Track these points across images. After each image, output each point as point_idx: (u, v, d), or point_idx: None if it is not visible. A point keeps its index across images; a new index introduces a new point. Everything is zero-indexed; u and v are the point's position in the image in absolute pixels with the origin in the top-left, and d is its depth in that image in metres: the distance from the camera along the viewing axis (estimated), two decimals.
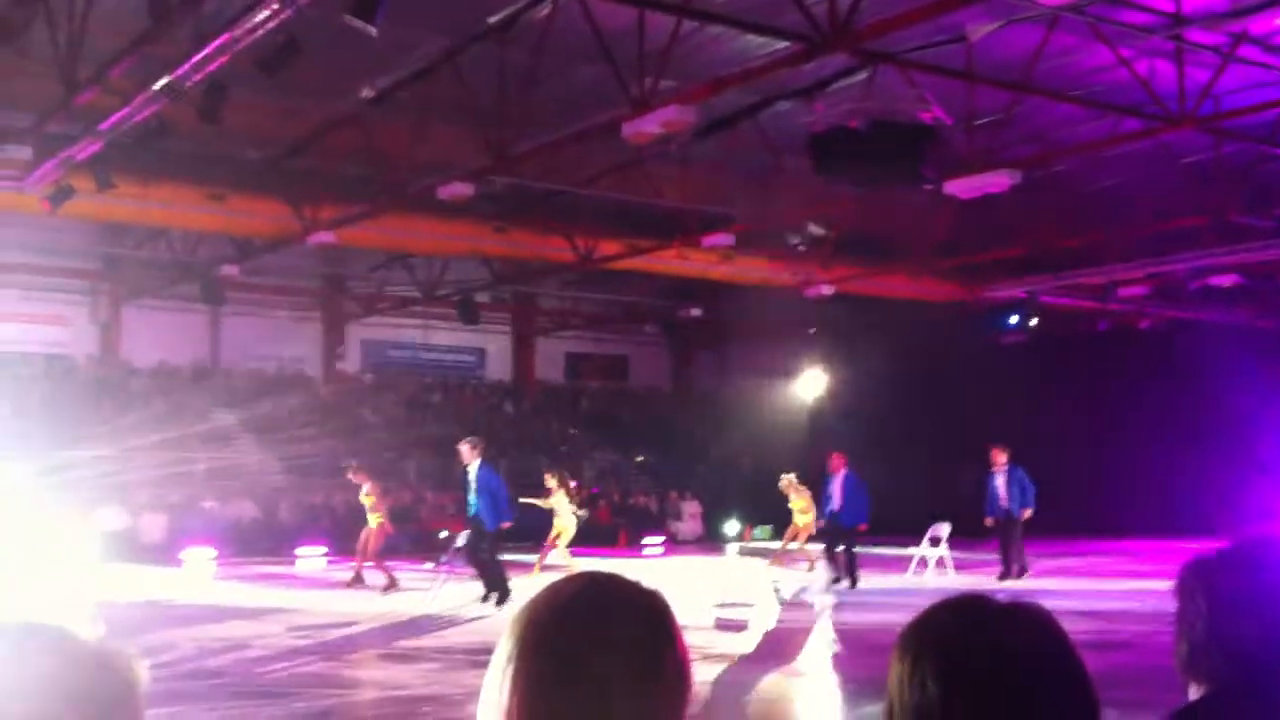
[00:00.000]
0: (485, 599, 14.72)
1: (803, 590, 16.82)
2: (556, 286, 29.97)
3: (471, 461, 14.95)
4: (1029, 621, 1.47)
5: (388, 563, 17.21)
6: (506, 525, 14.95)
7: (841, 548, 17.12)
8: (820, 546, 18.34)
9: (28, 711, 1.21)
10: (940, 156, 14.70)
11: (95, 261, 27.02)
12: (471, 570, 15.27)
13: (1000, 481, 17.46)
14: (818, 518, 18.01)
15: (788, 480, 19.35)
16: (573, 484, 18.08)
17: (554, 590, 1.42)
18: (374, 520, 17.00)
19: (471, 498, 14.90)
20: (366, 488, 17.19)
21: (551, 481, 17.56)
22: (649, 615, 1.39)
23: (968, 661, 1.43)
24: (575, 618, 1.37)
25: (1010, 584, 16.75)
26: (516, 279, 26.74)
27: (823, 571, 17.95)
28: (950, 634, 1.46)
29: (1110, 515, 26.14)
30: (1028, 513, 17.41)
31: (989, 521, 17.66)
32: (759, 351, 33.62)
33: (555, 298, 32.60)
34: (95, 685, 1.27)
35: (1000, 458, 17.50)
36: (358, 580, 17.08)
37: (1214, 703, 1.74)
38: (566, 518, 17.11)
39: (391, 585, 16.67)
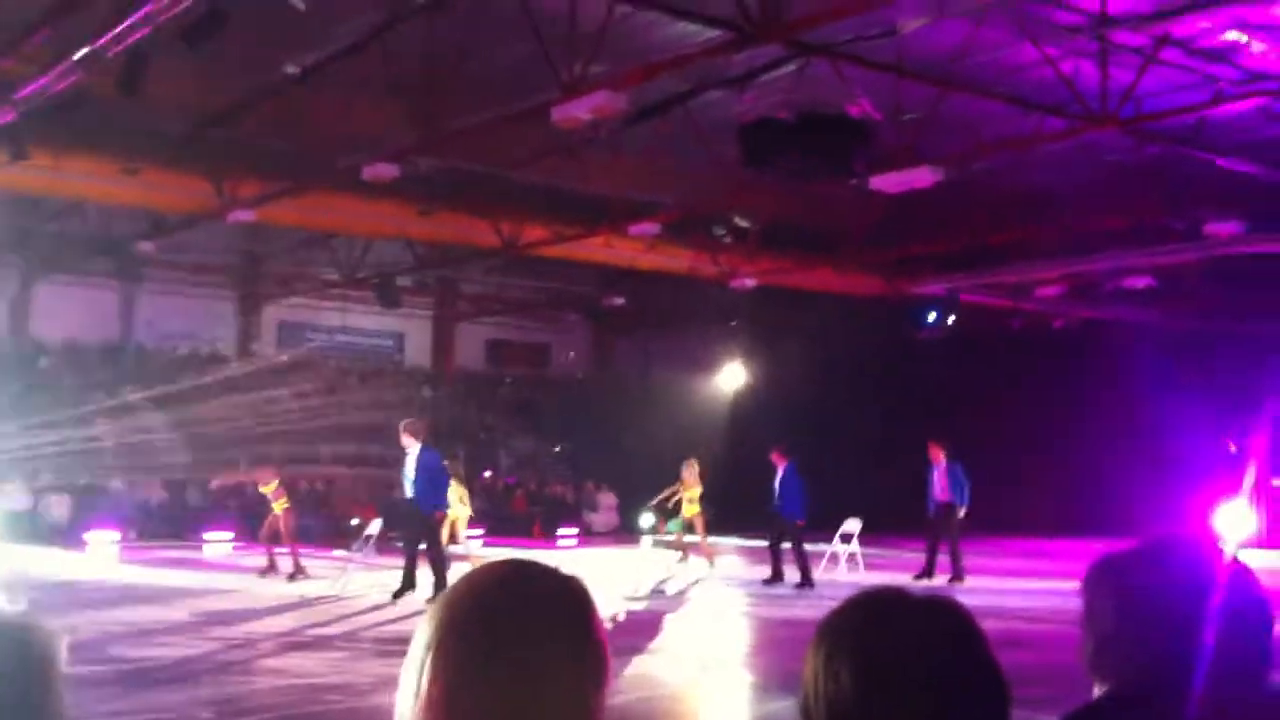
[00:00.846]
0: (400, 593, 14.42)
1: (663, 582, 16.84)
2: (479, 272, 29.77)
3: (411, 446, 14.69)
4: (944, 614, 1.47)
5: (299, 549, 17.01)
6: (441, 514, 14.78)
7: (786, 544, 17.04)
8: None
9: None
10: (867, 150, 14.81)
11: (6, 234, 26.32)
12: (396, 558, 14.99)
13: (936, 477, 17.59)
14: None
15: (692, 468, 19.13)
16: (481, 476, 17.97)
17: (474, 578, 1.41)
18: (278, 507, 16.80)
19: (409, 483, 14.61)
20: (268, 477, 17.00)
21: (455, 468, 17.48)
22: (570, 601, 1.39)
23: (883, 653, 1.43)
24: (497, 604, 1.36)
25: (925, 582, 16.88)
26: (439, 263, 26.52)
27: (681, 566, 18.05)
28: (866, 626, 1.46)
29: (1018, 513, 26.55)
30: (962, 510, 17.52)
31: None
32: (681, 343, 33.73)
33: (478, 283, 32.39)
34: (15, 660, 1.25)
35: (938, 454, 17.61)
36: (272, 569, 16.84)
37: (1117, 700, 1.75)
38: (457, 507, 17.10)
39: (299, 573, 16.47)
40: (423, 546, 14.47)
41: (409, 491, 14.56)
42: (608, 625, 1.40)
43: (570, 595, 1.40)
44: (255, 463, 17.41)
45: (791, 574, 16.89)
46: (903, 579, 17.12)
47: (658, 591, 16.33)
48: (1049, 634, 11.47)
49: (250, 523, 23.99)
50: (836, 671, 1.42)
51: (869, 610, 1.49)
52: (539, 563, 1.43)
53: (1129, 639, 1.73)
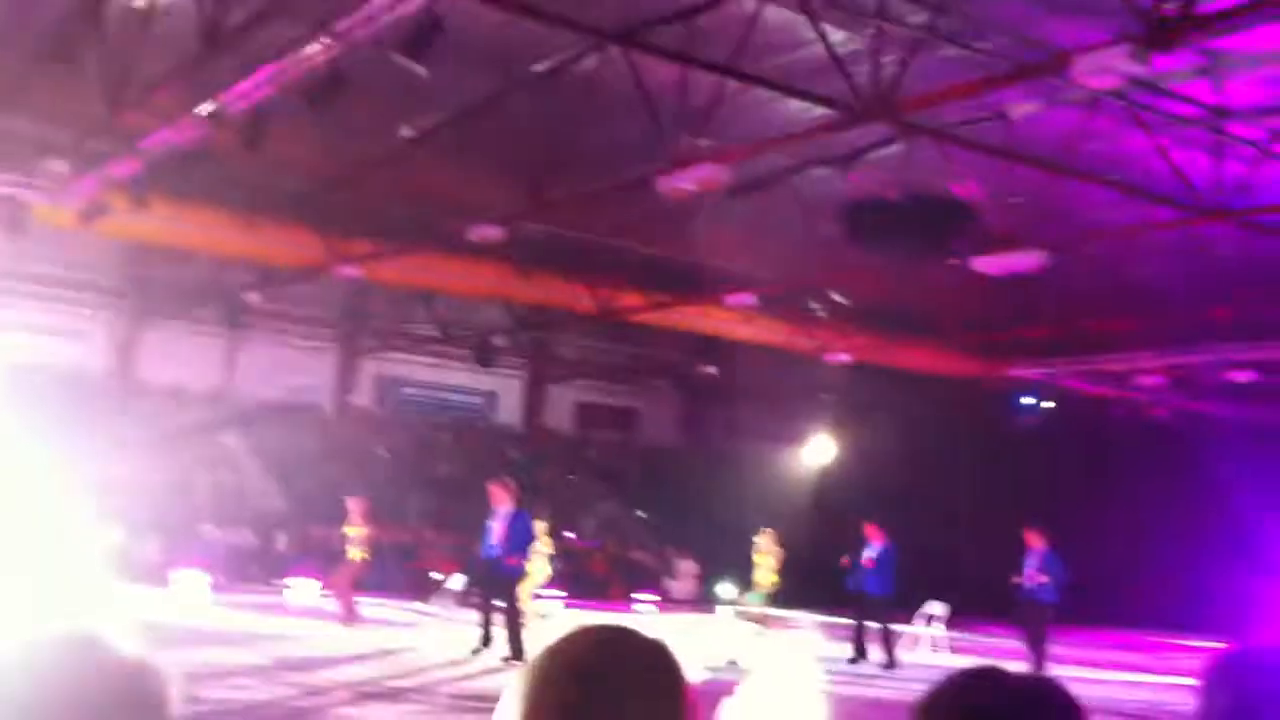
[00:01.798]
0: (479, 649, 14.48)
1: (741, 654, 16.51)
2: (573, 335, 30.00)
3: (502, 504, 14.78)
4: (1049, 695, 1.43)
5: (357, 598, 17.01)
6: (522, 574, 14.76)
7: (876, 623, 16.71)
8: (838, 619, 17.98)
9: (62, 717, 1.21)
10: (971, 231, 14.75)
11: (119, 279, 27.10)
12: (475, 613, 15.05)
13: (1032, 565, 17.13)
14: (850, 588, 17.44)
15: (768, 537, 18.97)
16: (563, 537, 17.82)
17: (567, 641, 1.39)
18: (354, 554, 16.81)
19: (494, 541, 14.69)
20: (355, 520, 16.98)
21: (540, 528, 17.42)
22: (662, 667, 1.37)
23: None
24: (591, 668, 1.34)
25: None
26: (536, 325, 26.78)
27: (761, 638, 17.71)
28: (971, 704, 1.42)
29: (1109, 605, 25.92)
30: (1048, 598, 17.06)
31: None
32: (770, 415, 33.58)
33: (571, 346, 32.62)
34: (131, 696, 1.28)
35: (1035, 541, 17.16)
36: (351, 615, 16.81)
37: None
38: (540, 566, 17.09)
39: (353, 618, 16.47)
40: (501, 604, 14.50)
41: (493, 550, 14.58)
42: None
43: (663, 660, 1.38)
44: (358, 501, 17.40)
45: (875, 653, 16.63)
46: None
47: (735, 663, 16.13)
48: None
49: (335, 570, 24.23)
50: None
51: (972, 687, 1.45)
52: (625, 628, 1.41)
53: None
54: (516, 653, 13.89)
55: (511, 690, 1.35)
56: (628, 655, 1.37)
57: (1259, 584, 23.20)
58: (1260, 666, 1.79)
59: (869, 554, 16.82)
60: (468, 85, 14.12)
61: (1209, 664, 1.83)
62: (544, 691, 1.32)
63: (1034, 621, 16.93)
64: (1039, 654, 16.74)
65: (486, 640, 14.47)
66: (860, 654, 16.83)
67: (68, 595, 17.04)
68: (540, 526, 17.20)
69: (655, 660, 1.37)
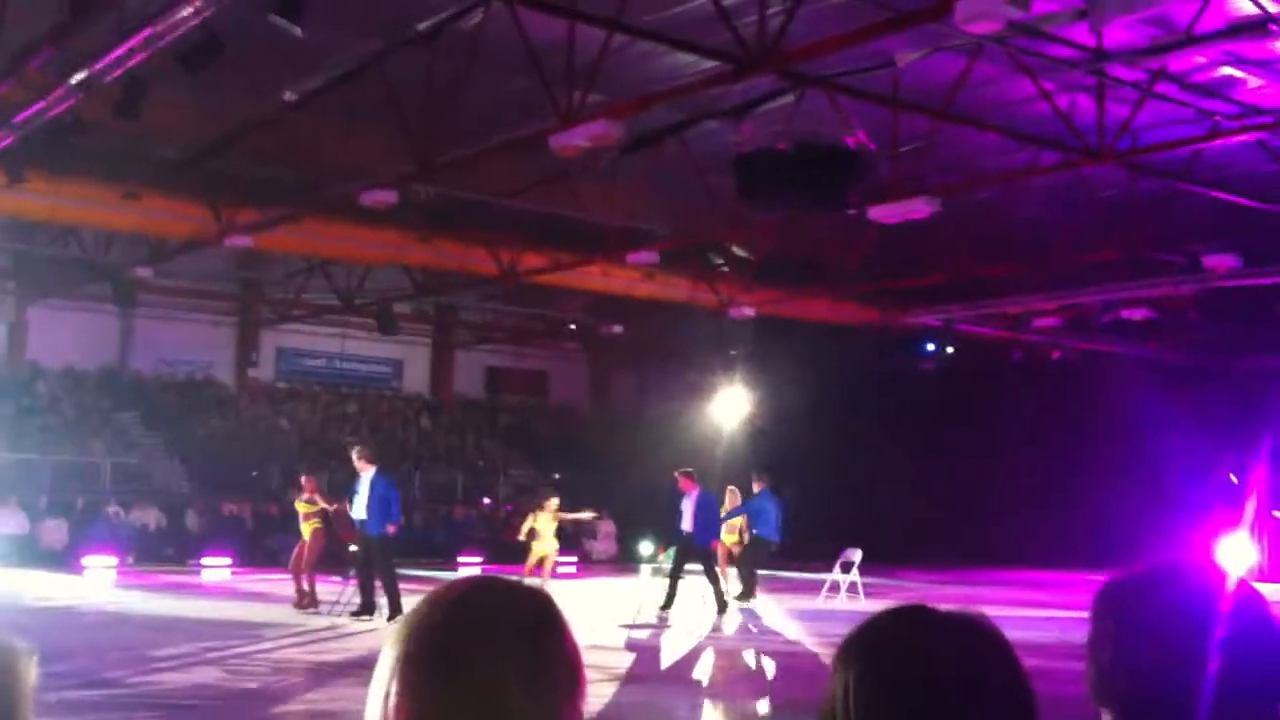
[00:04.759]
0: (392, 617, 14.45)
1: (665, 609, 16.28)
2: (477, 299, 29.76)
3: (365, 469, 14.91)
4: (978, 630, 1.45)
5: (315, 579, 16.39)
6: (392, 529, 14.80)
7: (699, 568, 16.59)
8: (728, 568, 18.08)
9: None
10: (864, 181, 14.82)
11: (3, 259, 26.34)
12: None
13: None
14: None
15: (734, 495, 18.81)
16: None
17: (435, 597, 1.38)
18: (307, 530, 16.14)
19: (360, 506, 14.75)
20: (307, 496, 16.33)
21: (552, 503, 17.39)
22: (535, 613, 1.36)
23: (918, 668, 1.40)
24: (460, 622, 1.32)
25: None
26: (438, 290, 26.51)
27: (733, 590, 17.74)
28: (900, 641, 1.44)
29: (1016, 544, 26.43)
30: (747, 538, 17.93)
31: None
32: (679, 372, 33.67)
33: (476, 310, 32.35)
34: None
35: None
36: (304, 598, 15.86)
37: None
38: (548, 541, 17.09)
39: (311, 604, 15.79)
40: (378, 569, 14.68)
41: (360, 514, 14.76)
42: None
43: (534, 606, 1.37)
44: (310, 474, 17.07)
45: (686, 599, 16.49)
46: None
47: (659, 619, 16.01)
48: (1054, 666, 11.36)
49: (250, 551, 23.82)
50: (868, 688, 1.38)
51: (900, 624, 1.46)
52: (499, 577, 1.40)
53: (1131, 666, 1.70)
54: (397, 612, 14.00)
55: (382, 655, 1.33)
56: (493, 607, 1.36)
57: (1163, 515, 23.85)
58: (1139, 590, 1.79)
59: (685, 505, 16.48)
60: (349, 45, 13.86)
61: (1096, 592, 1.84)
62: (409, 653, 1.31)
63: (755, 559, 17.70)
64: (748, 586, 17.45)
65: (368, 607, 14.72)
66: (721, 604, 16.41)
67: None
68: (552, 503, 17.23)
69: (524, 608, 1.36)
